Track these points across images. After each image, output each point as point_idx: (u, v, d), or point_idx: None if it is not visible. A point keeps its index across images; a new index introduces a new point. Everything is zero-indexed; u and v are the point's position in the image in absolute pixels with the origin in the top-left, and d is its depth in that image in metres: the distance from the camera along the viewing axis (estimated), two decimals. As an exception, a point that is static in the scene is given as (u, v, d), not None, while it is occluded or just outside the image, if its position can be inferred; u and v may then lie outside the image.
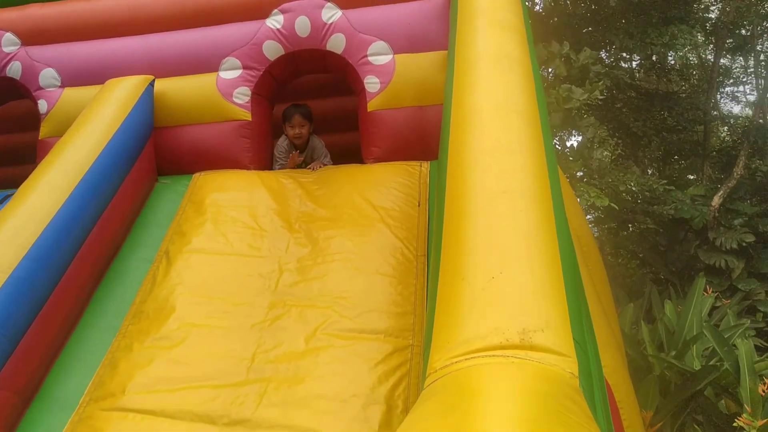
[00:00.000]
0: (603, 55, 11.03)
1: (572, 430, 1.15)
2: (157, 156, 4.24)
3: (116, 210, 3.67)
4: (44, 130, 4.41)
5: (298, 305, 3.19)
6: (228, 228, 3.69)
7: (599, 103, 10.26)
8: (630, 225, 9.35)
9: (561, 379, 1.45)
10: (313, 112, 4.60)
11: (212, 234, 3.66)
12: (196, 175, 4.15)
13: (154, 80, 4.21)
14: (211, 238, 3.64)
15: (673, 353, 5.95)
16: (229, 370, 2.93)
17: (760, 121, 11.43)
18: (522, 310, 1.66)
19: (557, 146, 8.50)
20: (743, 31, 11.53)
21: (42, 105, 4.45)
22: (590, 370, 1.67)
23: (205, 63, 4.26)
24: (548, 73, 8.64)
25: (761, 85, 12.05)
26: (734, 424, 4.92)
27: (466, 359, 1.56)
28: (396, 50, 4.09)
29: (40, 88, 4.48)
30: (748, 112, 14.99)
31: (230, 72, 4.22)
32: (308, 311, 3.15)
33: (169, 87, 4.28)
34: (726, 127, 13.70)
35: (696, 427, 5.24)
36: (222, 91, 4.19)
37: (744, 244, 9.28)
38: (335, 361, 2.90)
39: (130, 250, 3.72)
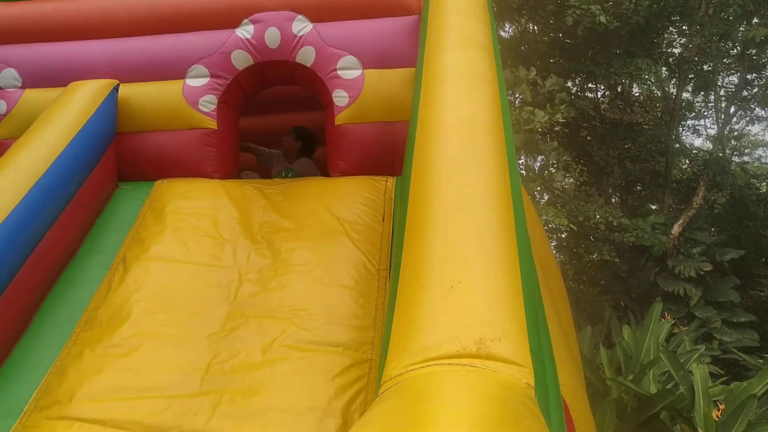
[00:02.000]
0: (569, 84, 11.26)
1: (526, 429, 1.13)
2: (119, 161, 4.16)
3: (73, 214, 3.58)
4: (2, 131, 4.29)
5: (257, 316, 3.14)
6: (188, 236, 3.62)
7: (564, 130, 10.45)
8: (591, 252, 9.48)
9: (516, 388, 1.44)
10: (279, 124, 4.66)
11: (172, 242, 3.59)
12: (158, 182, 4.08)
13: (118, 85, 4.14)
14: (170, 246, 3.57)
15: (631, 377, 6.02)
16: (183, 380, 2.86)
17: (720, 154, 11.75)
18: (480, 319, 1.65)
19: (521, 168, 8.59)
20: (705, 67, 11.88)
21: (1, 105, 4.34)
22: (546, 382, 1.66)
23: (172, 70, 4.20)
24: (515, 97, 8.77)
25: (721, 119, 12.40)
26: (688, 449, 4.98)
27: (421, 367, 1.54)
28: (365, 65, 4.10)
29: (0, 89, 4.38)
30: (709, 145, 15.40)
31: (197, 80, 4.17)
32: (267, 322, 3.10)
33: (133, 92, 4.21)
34: (687, 159, 14.04)
35: (651, 451, 5.28)
36: (188, 99, 4.14)
37: (702, 273, 9.49)
38: (292, 373, 2.85)
39: (86, 255, 3.62)
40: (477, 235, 1.94)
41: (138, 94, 4.22)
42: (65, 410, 2.74)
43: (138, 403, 2.75)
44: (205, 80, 4.18)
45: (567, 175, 13.19)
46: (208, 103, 4.16)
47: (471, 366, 1.51)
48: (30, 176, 3.33)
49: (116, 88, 4.13)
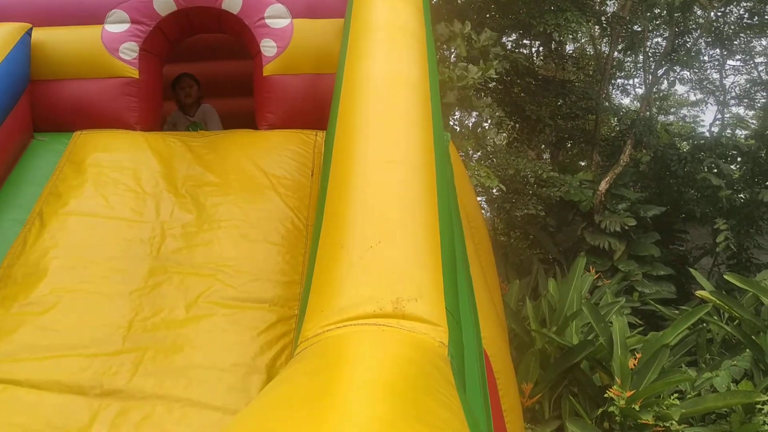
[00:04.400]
0: (504, 40, 11.29)
1: (433, 398, 1.16)
2: (34, 111, 3.95)
3: (-16, 166, 3.40)
4: None
5: (181, 272, 3.08)
6: (109, 190, 3.50)
7: (498, 86, 10.51)
8: (520, 207, 9.68)
9: (429, 348, 1.47)
10: (206, 74, 4.52)
11: (92, 196, 3.47)
12: (77, 133, 3.90)
13: (31, 29, 3.89)
14: (90, 200, 3.44)
15: (554, 329, 6.23)
16: (104, 338, 2.80)
17: (647, 114, 12.07)
18: (397, 279, 1.66)
19: (454, 125, 8.64)
20: (635, 27, 12.10)
21: None
22: (461, 340, 1.70)
23: (90, 14, 3.98)
24: (450, 52, 8.74)
25: (648, 80, 12.69)
26: (605, 395, 5.23)
27: (338, 327, 1.54)
28: (294, 14, 3.98)
29: None
30: (637, 104, 15.83)
31: (117, 26, 3.97)
32: (190, 279, 3.05)
33: (48, 37, 3.98)
34: (616, 118, 14.41)
35: (571, 398, 5.53)
36: (107, 46, 3.94)
37: (626, 228, 9.83)
38: (216, 329, 2.83)
39: (-1, 210, 3.46)
40: (398, 195, 1.94)
41: (53, 39, 4.00)
42: (-22, 370, 2.65)
43: (56, 362, 2.69)
44: (125, 26, 3.98)
45: (500, 131, 13.36)
46: (129, 50, 3.98)
47: (386, 326, 1.52)
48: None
49: (29, 33, 3.88)
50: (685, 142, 13.44)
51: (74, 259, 3.15)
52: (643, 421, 5.06)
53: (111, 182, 3.54)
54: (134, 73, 3.98)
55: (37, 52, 3.94)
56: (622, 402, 5.06)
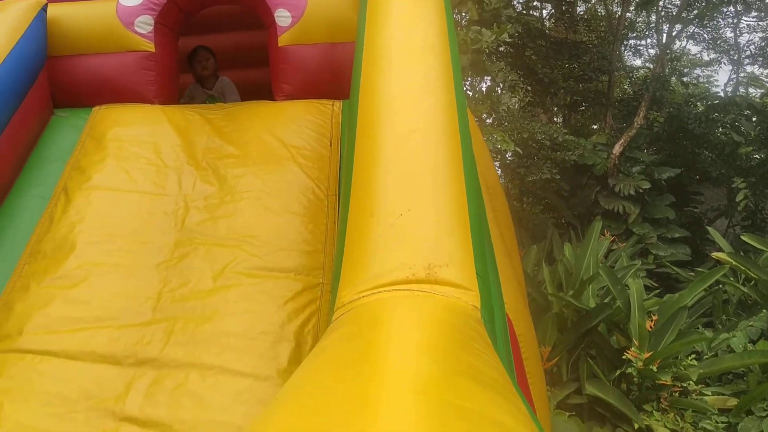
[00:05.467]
0: (515, 2, 11.15)
1: (472, 355, 1.19)
2: (53, 87, 3.98)
3: (7, 144, 3.43)
4: None
5: (206, 243, 3.13)
6: (131, 164, 3.53)
7: (509, 50, 10.42)
8: (534, 171, 9.65)
9: (463, 311, 1.50)
10: (221, 46, 4.52)
11: (114, 170, 3.50)
12: (96, 108, 3.93)
13: (46, 4, 3.90)
14: (112, 175, 3.48)
15: (571, 292, 6.27)
16: (134, 309, 2.86)
17: (660, 74, 11.93)
18: (428, 245, 1.69)
19: (467, 90, 8.59)
20: (649, -15, 11.92)
21: None
22: (492, 303, 1.73)
23: (104, -12, 3.98)
24: (461, 16, 8.65)
25: (662, 40, 12.53)
26: (623, 357, 5.29)
27: (373, 293, 1.58)
28: (308, -17, 3.96)
29: None
30: (649, 65, 15.62)
31: (131, -1, 3.97)
32: (216, 250, 3.09)
33: (63, 13, 3.99)
34: (629, 79, 14.25)
35: (589, 360, 5.59)
36: (122, 20, 3.95)
37: (640, 191, 9.80)
38: (244, 299, 2.88)
39: (24, 187, 3.51)
40: (424, 163, 1.96)
41: (69, 14, 4.00)
42: (15, 343, 2.72)
43: (90, 334, 2.75)
44: (139, 0, 3.98)
45: (512, 95, 13.26)
46: (145, 24, 3.98)
47: (420, 291, 1.56)
48: (-43, 104, 3.16)
49: (44, 8, 3.90)
50: (699, 103, 13.29)
51: (100, 233, 3.20)
52: (661, 382, 5.12)
53: (132, 156, 3.58)
54: (150, 46, 3.99)
55: (53, 28, 3.95)
56: (640, 363, 5.11)
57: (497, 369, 1.18)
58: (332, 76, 3.92)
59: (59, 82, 3.98)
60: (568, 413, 5.08)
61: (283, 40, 4.00)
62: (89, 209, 3.31)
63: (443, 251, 1.67)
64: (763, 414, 5.05)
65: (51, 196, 3.43)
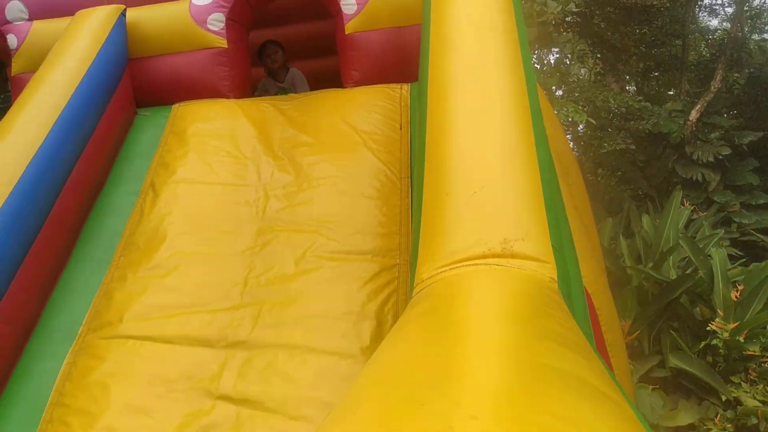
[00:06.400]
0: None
1: (553, 322, 1.24)
2: (135, 88, 4.20)
3: (98, 143, 3.66)
4: (16, 66, 4.32)
5: (286, 230, 3.26)
6: (211, 157, 3.71)
7: (576, 19, 10.16)
8: (608, 142, 9.42)
9: (541, 283, 1.54)
10: (290, 38, 4.64)
11: (196, 164, 3.69)
12: (176, 105, 4.13)
13: (125, 9, 4.12)
14: (195, 168, 3.66)
15: (651, 265, 6.14)
16: (223, 295, 3.02)
17: (738, 33, 11.38)
18: (503, 221, 1.73)
19: (535, 63, 8.45)
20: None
21: (11, 40, 4.35)
22: (568, 276, 1.76)
23: (176, -11, 4.16)
24: (526, -11, 8.49)
25: (740, -4, 11.92)
26: (708, 329, 5.16)
27: (451, 269, 1.64)
28: (372, -30, 4.01)
29: (8, 22, 4.37)
30: (726, 25, 14.89)
31: (202, -2, 4.13)
32: (296, 235, 3.22)
33: (141, 16, 4.19)
34: (704, 41, 13.65)
35: (672, 333, 5.47)
36: (195, 18, 4.12)
37: (720, 157, 9.44)
38: (325, 281, 2.99)
39: (115, 183, 3.74)
40: (495, 141, 2.00)
41: (145, 17, 4.21)
42: (117, 330, 2.93)
43: (184, 319, 2.93)
44: (210, -2, 4.14)
45: (582, 66, 12.93)
46: (217, 21, 4.13)
47: (497, 265, 1.60)
48: (53, 110, 3.39)
49: (123, 13, 4.11)
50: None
51: (188, 224, 3.38)
52: (749, 353, 4.97)
53: (212, 150, 3.75)
54: (223, 43, 4.14)
55: (132, 32, 4.16)
56: (726, 334, 4.98)
57: (578, 335, 1.21)
58: (400, 60, 3.97)
59: (140, 83, 4.20)
60: (651, 387, 5.01)
61: (349, 28, 4.08)
62: (176, 202, 3.50)
63: (518, 225, 1.71)
64: None
65: (140, 191, 3.64)
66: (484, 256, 1.65)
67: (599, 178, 12.19)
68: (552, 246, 1.72)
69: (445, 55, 2.43)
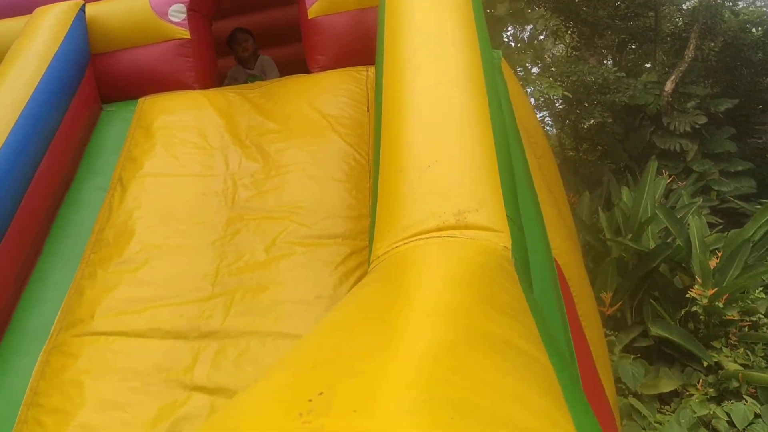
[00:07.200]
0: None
1: (496, 288, 1.24)
2: (99, 83, 4.15)
3: (63, 141, 3.62)
4: (-25, 66, 4.25)
5: (256, 218, 3.24)
6: (179, 150, 3.68)
7: (549, -6, 10.15)
8: (586, 117, 9.43)
9: (493, 251, 1.54)
10: (259, 25, 4.60)
11: (164, 157, 3.65)
12: (141, 99, 4.09)
13: (84, 5, 4.05)
14: (162, 161, 3.63)
15: (630, 236, 6.18)
16: (195, 286, 3.01)
17: (712, 2, 11.39)
18: (457, 193, 1.73)
19: (509, 40, 8.44)
20: None
21: (-30, 40, 4.27)
22: (525, 245, 1.76)
23: (135, -18, 4.10)
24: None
25: (711, -36, 11.92)
26: (687, 296, 5.20)
27: (405, 243, 1.64)
28: (331, -47, 3.98)
29: (-34, 23, 4.30)
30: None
31: (162, -11, 4.07)
32: (266, 223, 3.21)
33: (100, 11, 4.13)
34: (679, 12, 13.65)
35: (652, 302, 5.52)
36: (156, 11, 4.07)
37: (697, 126, 9.48)
38: (296, 267, 2.99)
39: (83, 179, 3.70)
40: (450, 115, 1.99)
41: (105, 12, 4.15)
42: (89, 327, 2.91)
43: (155, 312, 2.91)
44: (171, -11, 4.08)
45: (557, 41, 12.92)
46: (178, 12, 4.08)
47: (450, 237, 1.60)
48: (14, 109, 3.34)
49: (83, 9, 4.05)
50: (756, 29, 12.64)
51: (157, 217, 3.36)
52: (729, 317, 5.02)
53: (179, 142, 3.72)
54: (185, 34, 4.10)
55: (92, 27, 4.10)
56: (705, 300, 5.02)
57: (519, 300, 1.22)
58: (364, 42, 3.94)
59: (104, 78, 4.15)
60: (635, 356, 5.05)
61: (312, 12, 4.05)
62: (144, 196, 3.47)
63: (472, 197, 1.71)
64: (840, 341, 4.90)
65: (108, 186, 3.60)
66: (438, 229, 1.65)
67: (581, 153, 12.23)
68: (507, 216, 1.71)
69: (399, 34, 2.42)
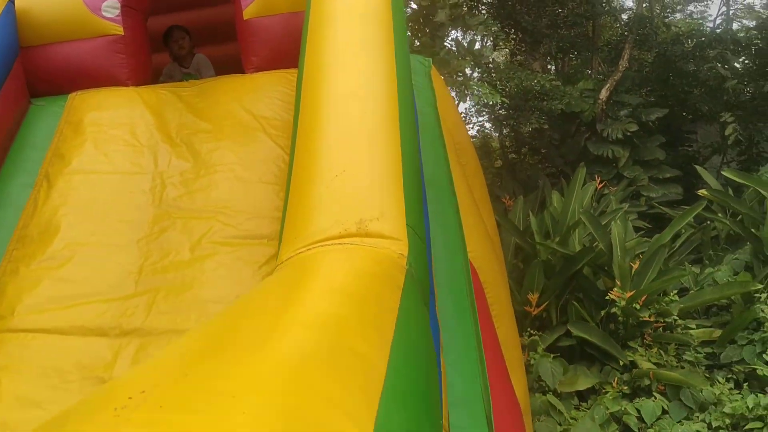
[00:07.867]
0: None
1: (377, 299, 1.34)
2: (28, 77, 4.09)
3: (-12, 135, 3.58)
4: None
5: (183, 217, 3.28)
6: (108, 147, 3.67)
7: (491, 0, 10.37)
8: (524, 122, 9.70)
9: (388, 259, 1.65)
10: (195, 23, 4.60)
11: (93, 154, 3.64)
12: (72, 95, 4.04)
13: (14, -4, 4.00)
14: (91, 158, 3.62)
15: (557, 239, 6.41)
16: (118, 284, 3.03)
17: (647, 13, 11.83)
18: (360, 203, 1.83)
19: (451, 45, 8.61)
20: None
21: None
22: (424, 252, 1.88)
23: (68, -24, 4.06)
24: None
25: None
26: (606, 298, 5.45)
27: (308, 249, 1.73)
28: (267, -44, 4.02)
29: None
30: (643, 5, 15.38)
31: (96, -15, 4.05)
32: (193, 222, 3.25)
33: (32, 3, 4.07)
34: (618, 22, 14.10)
35: (575, 303, 5.75)
36: (89, 6, 4.03)
37: (628, 134, 9.84)
38: (220, 267, 3.04)
39: (8, 176, 3.65)
40: (362, 125, 2.09)
41: (37, 4, 4.08)
42: (9, 324, 2.91)
43: (78, 310, 2.93)
44: (104, -16, 4.06)
45: (498, 47, 13.20)
46: (111, 8, 4.06)
47: (351, 244, 1.70)
48: (-66, 101, 3.29)
49: (12, 1, 3.99)
50: (688, 41, 13.20)
51: (83, 214, 3.36)
52: (644, 318, 5.28)
53: (109, 139, 3.71)
54: (119, 30, 4.08)
55: (22, 19, 4.04)
56: (623, 302, 5.27)
57: (389, 311, 1.33)
58: (297, 45, 3.97)
59: (34, 72, 4.09)
60: (556, 356, 5.27)
61: (247, 13, 4.08)
62: (71, 193, 3.47)
63: (374, 206, 1.81)
64: (745, 342, 5.22)
65: (34, 183, 3.57)
66: (340, 236, 1.74)
67: (523, 157, 12.54)
68: (408, 224, 1.82)
69: (319, 41, 2.50)
